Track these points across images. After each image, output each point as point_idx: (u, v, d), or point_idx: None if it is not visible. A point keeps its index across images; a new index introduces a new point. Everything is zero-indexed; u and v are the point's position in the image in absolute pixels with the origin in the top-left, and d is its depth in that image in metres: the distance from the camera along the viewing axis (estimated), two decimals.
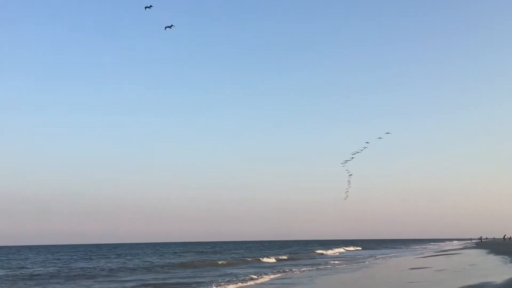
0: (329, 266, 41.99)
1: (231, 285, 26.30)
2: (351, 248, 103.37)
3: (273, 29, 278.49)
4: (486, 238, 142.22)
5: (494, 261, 34.27)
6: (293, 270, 37.30)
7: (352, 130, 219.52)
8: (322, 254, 74.64)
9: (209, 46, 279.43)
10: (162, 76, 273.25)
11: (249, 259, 56.41)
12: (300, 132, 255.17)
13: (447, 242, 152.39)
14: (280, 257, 59.74)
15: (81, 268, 45.66)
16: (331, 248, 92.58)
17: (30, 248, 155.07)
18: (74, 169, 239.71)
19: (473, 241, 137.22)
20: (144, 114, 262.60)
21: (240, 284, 26.78)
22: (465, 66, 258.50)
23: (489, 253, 46.66)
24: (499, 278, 19.99)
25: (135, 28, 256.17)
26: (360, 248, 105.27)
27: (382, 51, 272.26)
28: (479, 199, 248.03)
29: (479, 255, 45.34)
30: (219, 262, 48.64)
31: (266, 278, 30.09)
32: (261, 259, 55.42)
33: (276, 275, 32.54)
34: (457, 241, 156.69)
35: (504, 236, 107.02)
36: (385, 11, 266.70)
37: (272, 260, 54.42)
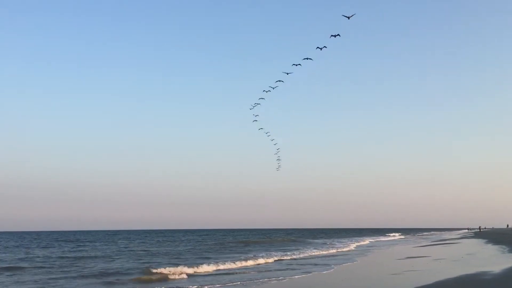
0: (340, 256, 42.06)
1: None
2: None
3: None
4: (485, 228, 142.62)
5: (492, 250, 34.37)
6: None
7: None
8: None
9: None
10: (164, 63, 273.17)
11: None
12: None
13: (446, 232, 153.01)
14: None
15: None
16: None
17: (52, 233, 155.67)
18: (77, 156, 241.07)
19: (471, 230, 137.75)
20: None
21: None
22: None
23: (487, 242, 46.81)
24: (497, 268, 20.02)
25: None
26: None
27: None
28: (478, 189, 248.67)
29: (477, 244, 45.49)
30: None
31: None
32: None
33: None
34: (455, 231, 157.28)
35: (507, 225, 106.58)
36: None
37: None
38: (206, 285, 20.50)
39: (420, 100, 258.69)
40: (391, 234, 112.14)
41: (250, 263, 32.05)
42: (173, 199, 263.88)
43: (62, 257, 40.30)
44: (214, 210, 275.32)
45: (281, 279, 21.81)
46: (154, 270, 26.12)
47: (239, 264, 30.95)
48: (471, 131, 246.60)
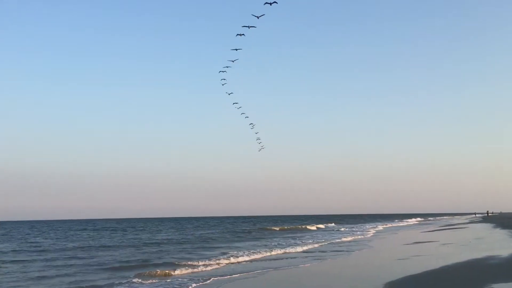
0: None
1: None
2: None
3: None
4: (493, 213, 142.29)
5: (500, 235, 34.42)
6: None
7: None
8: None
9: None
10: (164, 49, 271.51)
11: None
12: None
13: (454, 217, 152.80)
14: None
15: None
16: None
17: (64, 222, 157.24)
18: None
19: (478, 215, 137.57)
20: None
21: None
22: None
23: (495, 227, 46.82)
24: (505, 252, 20.10)
25: None
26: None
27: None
28: (485, 173, 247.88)
29: (485, 229, 45.51)
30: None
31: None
32: None
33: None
34: (463, 216, 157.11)
35: None
36: None
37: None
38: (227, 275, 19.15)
39: (434, 86, 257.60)
40: (406, 220, 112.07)
41: (275, 252, 29.99)
42: (176, 189, 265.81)
43: (78, 247, 39.15)
44: (218, 198, 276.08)
45: (300, 266, 21.51)
46: (178, 263, 24.38)
47: (265, 253, 28.93)
48: (478, 118, 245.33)
